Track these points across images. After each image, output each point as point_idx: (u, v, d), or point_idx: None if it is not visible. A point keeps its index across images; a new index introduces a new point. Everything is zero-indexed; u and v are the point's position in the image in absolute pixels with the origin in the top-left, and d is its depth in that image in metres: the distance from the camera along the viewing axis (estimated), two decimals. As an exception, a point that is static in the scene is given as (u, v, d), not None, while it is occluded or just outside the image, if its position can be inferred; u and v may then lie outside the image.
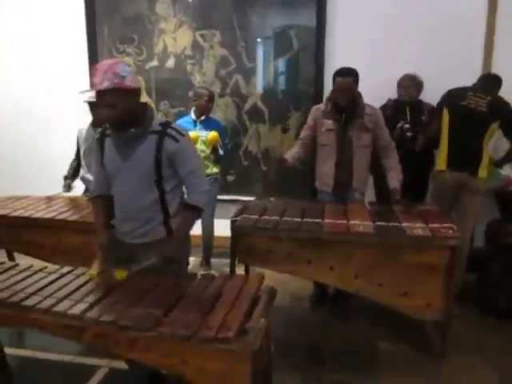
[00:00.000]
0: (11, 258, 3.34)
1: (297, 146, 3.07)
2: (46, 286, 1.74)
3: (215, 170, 3.59)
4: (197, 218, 1.98)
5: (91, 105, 3.12)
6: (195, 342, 1.38)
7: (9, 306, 1.62)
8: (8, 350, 2.49)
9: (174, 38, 4.00)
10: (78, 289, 1.72)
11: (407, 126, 3.27)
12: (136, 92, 1.84)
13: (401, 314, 2.54)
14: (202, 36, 3.96)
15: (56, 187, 3.28)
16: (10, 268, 1.92)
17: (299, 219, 2.56)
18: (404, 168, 2.96)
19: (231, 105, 4.03)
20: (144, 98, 4.15)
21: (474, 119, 2.95)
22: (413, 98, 3.38)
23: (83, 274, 1.86)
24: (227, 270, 3.56)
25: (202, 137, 3.46)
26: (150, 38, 4.03)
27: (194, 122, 3.51)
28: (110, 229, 2.02)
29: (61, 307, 1.57)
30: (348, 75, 2.86)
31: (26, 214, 2.78)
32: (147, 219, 1.91)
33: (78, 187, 3.36)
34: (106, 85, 1.71)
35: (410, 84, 3.37)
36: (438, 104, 3.16)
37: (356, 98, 2.92)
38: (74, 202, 3.04)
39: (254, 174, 4.10)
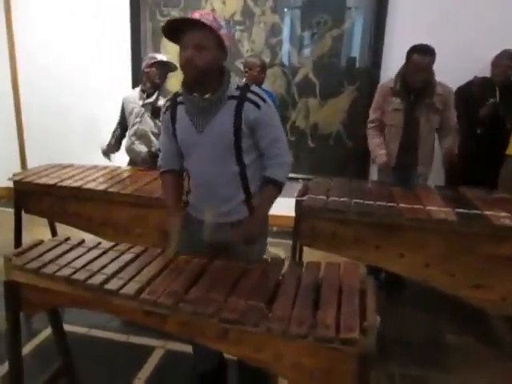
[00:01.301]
0: (53, 229, 3.23)
1: (374, 135, 2.89)
2: (123, 267, 1.59)
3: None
4: (277, 195, 1.75)
5: (146, 68, 2.96)
6: (310, 341, 1.23)
7: (89, 289, 1.48)
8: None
9: (223, 1, 3.74)
10: (159, 273, 1.57)
11: (492, 100, 3.06)
12: (225, 51, 1.64)
13: (462, 306, 2.40)
14: (253, 0, 3.70)
15: (95, 157, 3.14)
16: (78, 245, 1.77)
17: (371, 202, 2.39)
18: (477, 149, 2.79)
19: (280, 76, 3.80)
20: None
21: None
22: (508, 78, 3.14)
23: (160, 254, 1.71)
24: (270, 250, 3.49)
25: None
26: (198, 1, 3.78)
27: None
28: (181, 206, 1.85)
29: (150, 295, 1.43)
30: (427, 53, 2.63)
31: (76, 185, 2.63)
32: (227, 197, 1.73)
33: (119, 157, 3.20)
34: (205, 21, 1.53)
35: (508, 65, 3.10)
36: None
37: (430, 77, 2.70)
38: (121, 174, 2.88)
39: (300, 151, 3.91)
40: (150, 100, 3.01)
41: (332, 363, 1.31)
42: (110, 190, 2.56)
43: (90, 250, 1.73)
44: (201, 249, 1.74)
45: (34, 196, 2.76)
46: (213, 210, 1.71)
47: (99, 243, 1.78)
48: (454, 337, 2.55)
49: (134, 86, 3.94)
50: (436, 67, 2.71)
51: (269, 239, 1.98)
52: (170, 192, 1.85)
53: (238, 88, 1.66)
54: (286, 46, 3.74)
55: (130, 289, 1.44)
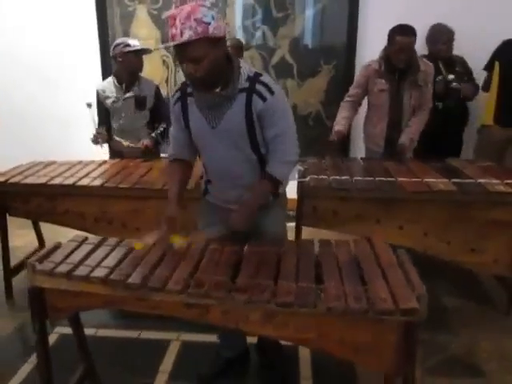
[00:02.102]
0: (38, 230, 3.08)
1: (345, 108, 2.93)
2: (158, 263, 1.55)
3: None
4: (272, 192, 1.69)
5: (120, 57, 2.83)
6: (370, 316, 1.27)
7: (130, 288, 1.43)
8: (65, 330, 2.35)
9: (194, -17, 3.64)
10: (198, 265, 1.54)
11: (452, 76, 3.14)
12: (223, 41, 1.55)
13: (455, 270, 2.53)
14: (225, -19, 3.63)
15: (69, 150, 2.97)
16: (99, 244, 1.71)
17: (371, 178, 2.46)
18: (441, 122, 2.91)
19: (257, 58, 3.77)
20: (160, 53, 3.83)
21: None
22: (449, 53, 3.19)
23: (189, 247, 1.68)
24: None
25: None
26: (168, -16, 3.65)
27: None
28: (182, 199, 1.79)
29: (197, 288, 1.40)
30: (410, 34, 2.68)
31: (68, 182, 2.51)
32: (247, 186, 1.71)
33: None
34: (187, 35, 1.41)
35: (448, 39, 3.13)
36: (491, 57, 3.06)
37: (413, 56, 2.77)
38: (112, 167, 2.77)
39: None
40: (132, 94, 2.89)
41: (379, 335, 1.36)
42: (107, 184, 2.47)
43: (114, 248, 1.67)
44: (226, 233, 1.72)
45: (20, 197, 2.61)
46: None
47: (121, 241, 1.72)
48: (453, 300, 2.70)
49: (104, 73, 3.80)
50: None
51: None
52: (173, 182, 1.79)
53: (248, 79, 1.59)
54: (261, 28, 3.70)
55: (176, 284, 1.41)
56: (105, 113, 3.01)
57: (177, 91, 1.73)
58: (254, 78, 1.59)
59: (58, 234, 3.26)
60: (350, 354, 1.43)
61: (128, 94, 2.89)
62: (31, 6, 3.79)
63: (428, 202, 2.38)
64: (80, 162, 2.89)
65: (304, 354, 2.21)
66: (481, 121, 3.25)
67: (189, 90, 1.67)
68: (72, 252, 1.63)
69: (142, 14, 3.74)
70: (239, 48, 3.24)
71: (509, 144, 3.05)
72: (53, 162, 2.91)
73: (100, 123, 3.02)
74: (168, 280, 1.44)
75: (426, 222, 2.43)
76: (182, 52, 1.47)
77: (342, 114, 2.91)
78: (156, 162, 2.81)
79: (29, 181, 2.54)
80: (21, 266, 2.88)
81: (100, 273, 1.47)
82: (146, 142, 2.91)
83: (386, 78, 2.81)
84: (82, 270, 1.49)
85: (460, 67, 3.15)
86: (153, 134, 2.94)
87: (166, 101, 3.10)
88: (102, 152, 3.05)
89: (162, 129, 2.94)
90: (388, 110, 2.88)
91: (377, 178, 2.45)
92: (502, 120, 3.00)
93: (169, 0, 3.69)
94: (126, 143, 2.92)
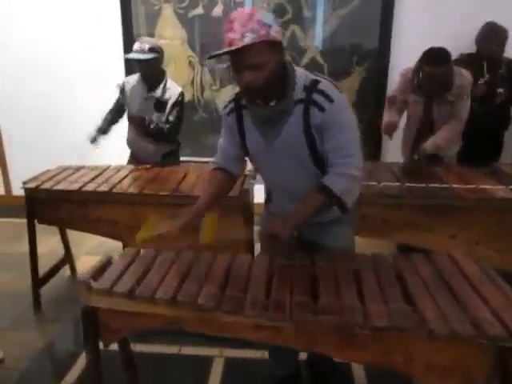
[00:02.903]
0: (64, 237, 2.95)
1: (394, 111, 2.79)
2: (226, 281, 1.43)
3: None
4: (324, 204, 1.49)
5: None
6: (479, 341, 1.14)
7: (202, 310, 1.31)
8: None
9: (222, -20, 3.52)
10: (270, 282, 1.41)
11: (482, 81, 2.99)
12: (281, 46, 1.41)
13: None
14: (254, -21, 3.50)
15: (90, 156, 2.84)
16: (154, 258, 1.58)
17: (423, 185, 2.33)
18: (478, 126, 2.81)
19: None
20: (187, 54, 3.70)
21: None
22: (501, 55, 3.04)
23: (254, 259, 1.55)
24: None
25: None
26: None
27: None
28: (212, 208, 1.64)
29: (279, 310, 1.28)
30: (440, 64, 2.45)
31: (104, 189, 2.39)
32: None
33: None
34: (249, 39, 1.29)
35: (502, 41, 2.96)
36: None
37: (447, 80, 2.56)
38: (145, 173, 2.64)
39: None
40: (154, 94, 2.75)
41: (473, 359, 1.24)
42: (145, 191, 2.34)
43: (172, 263, 1.54)
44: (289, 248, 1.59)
45: (50, 204, 2.49)
46: None
47: (177, 254, 1.60)
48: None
49: (128, 75, 3.68)
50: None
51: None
52: (209, 193, 1.62)
53: (304, 89, 1.44)
54: (292, 27, 3.58)
55: (253, 306, 1.28)
56: (117, 110, 2.90)
57: (230, 102, 1.59)
58: (312, 87, 1.43)
59: (82, 241, 3.18)
60: (437, 379, 1.31)
61: (150, 94, 2.76)
62: (53, 5, 3.66)
63: (484, 209, 2.26)
64: (110, 167, 2.76)
65: (357, 369, 2.09)
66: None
67: (244, 101, 1.54)
68: (127, 268, 1.50)
69: (167, 13, 3.62)
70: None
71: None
72: (81, 167, 2.78)
73: (105, 119, 2.91)
74: (243, 302, 1.31)
75: (479, 231, 2.31)
76: (242, 58, 1.33)
77: (389, 113, 2.78)
78: (189, 168, 2.69)
79: (61, 187, 2.43)
80: (49, 275, 2.77)
81: (165, 293, 1.34)
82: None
83: (418, 91, 2.68)
84: (144, 290, 1.36)
85: (505, 70, 3.02)
86: (160, 124, 2.72)
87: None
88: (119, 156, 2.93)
89: (171, 122, 2.74)
90: (418, 121, 2.77)
91: (430, 185, 2.32)
92: None
93: (196, -1, 3.57)
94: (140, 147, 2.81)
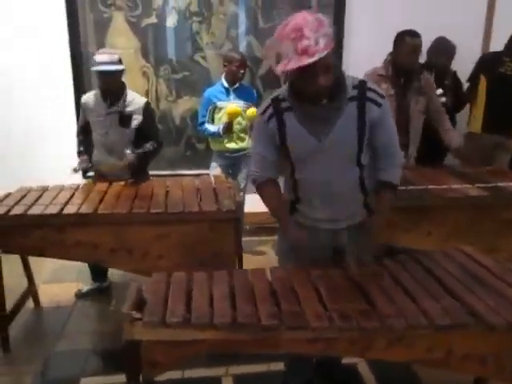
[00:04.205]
0: (27, 265, 2.67)
1: None
2: (274, 297, 1.41)
3: (250, 143, 3.28)
4: (393, 198, 1.66)
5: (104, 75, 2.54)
6: None
7: (262, 330, 1.27)
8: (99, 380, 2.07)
9: (177, -10, 3.44)
10: (319, 295, 1.42)
11: (441, 91, 3.30)
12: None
13: None
14: (210, -11, 3.47)
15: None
16: (189, 279, 1.50)
17: (403, 187, 2.47)
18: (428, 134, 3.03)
19: (243, 69, 3.66)
20: (140, 64, 3.56)
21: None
22: (449, 67, 3.35)
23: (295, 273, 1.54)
24: (259, 248, 3.41)
25: (239, 107, 3.12)
26: (149, -11, 3.41)
27: (227, 90, 3.13)
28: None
29: (344, 319, 1.29)
30: (418, 35, 2.76)
31: (85, 211, 2.21)
32: (349, 201, 1.65)
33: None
34: (323, 44, 1.35)
35: (451, 54, 3.27)
36: (474, 70, 3.28)
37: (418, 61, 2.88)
38: (121, 191, 2.48)
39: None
40: (116, 109, 2.63)
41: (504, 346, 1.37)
42: (135, 210, 2.21)
43: (209, 284, 1.48)
44: (317, 255, 1.63)
45: (20, 231, 2.23)
46: None
47: (210, 275, 1.54)
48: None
49: (77, 89, 3.45)
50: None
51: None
52: (276, 201, 1.70)
53: (354, 87, 1.54)
54: (247, 38, 3.61)
55: (319, 319, 1.28)
56: (85, 129, 2.75)
57: (267, 108, 1.60)
58: (362, 86, 1.54)
59: (40, 268, 2.89)
60: (474, 368, 1.42)
61: (112, 109, 2.62)
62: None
63: (456, 207, 2.47)
64: (80, 187, 2.56)
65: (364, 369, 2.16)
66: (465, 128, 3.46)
67: (283, 105, 1.57)
68: (166, 295, 1.41)
69: (119, 21, 3.45)
70: (242, 61, 3.12)
71: (495, 148, 3.28)
72: (45, 189, 2.54)
73: (80, 141, 2.76)
74: (303, 315, 1.30)
75: (452, 227, 2.51)
76: (319, 63, 1.37)
77: None
78: (165, 183, 2.59)
79: (36, 211, 2.19)
80: (15, 310, 2.48)
81: (223, 317, 1.29)
82: (129, 157, 2.61)
83: (393, 83, 2.86)
84: (199, 316, 1.29)
85: (450, 80, 3.33)
86: (139, 151, 2.66)
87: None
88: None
89: (151, 147, 2.68)
90: (394, 115, 2.93)
91: (409, 187, 2.48)
92: (491, 128, 3.23)
93: (149, 7, 3.44)
94: (108, 165, 2.65)
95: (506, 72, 3.16)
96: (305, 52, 1.35)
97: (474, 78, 3.30)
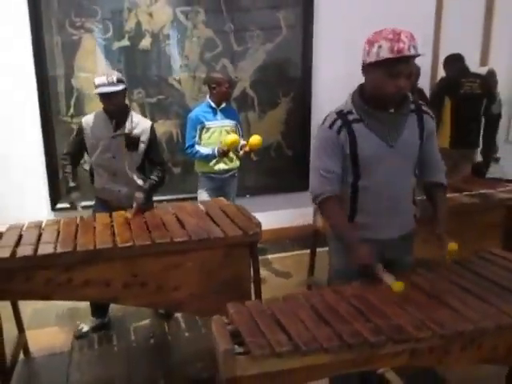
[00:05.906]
0: (17, 313, 2.39)
1: None
2: (360, 312, 1.42)
3: (237, 163, 3.27)
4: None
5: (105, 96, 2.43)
6: None
7: (372, 347, 1.28)
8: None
9: (150, 13, 3.36)
10: (389, 307, 1.46)
11: None
12: None
13: None
14: (183, 13, 3.44)
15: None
16: (273, 306, 1.46)
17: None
18: None
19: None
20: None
21: (474, 101, 3.54)
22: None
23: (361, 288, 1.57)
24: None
25: (225, 127, 3.11)
26: (119, 12, 3.29)
27: (214, 110, 3.11)
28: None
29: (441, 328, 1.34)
30: None
31: (90, 247, 2.03)
32: (406, 210, 1.78)
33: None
34: (413, 52, 1.52)
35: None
36: (438, 93, 3.62)
37: None
38: (122, 223, 2.33)
39: (244, 165, 3.84)
40: (122, 131, 2.52)
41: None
42: (139, 242, 2.07)
43: (289, 309, 1.45)
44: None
45: (22, 274, 2.00)
46: None
47: (284, 299, 1.51)
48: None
49: (44, 116, 3.21)
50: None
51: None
52: (342, 217, 1.73)
53: (412, 102, 1.72)
54: (222, 61, 3.62)
55: (417, 330, 1.33)
56: (77, 154, 2.60)
57: (335, 121, 1.67)
58: (414, 102, 1.74)
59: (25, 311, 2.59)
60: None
61: (118, 132, 2.50)
62: None
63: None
64: (84, 219, 2.36)
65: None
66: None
67: (350, 117, 1.66)
68: (256, 324, 1.35)
69: (88, 44, 3.29)
70: (230, 82, 3.13)
71: (461, 159, 3.62)
72: (39, 223, 2.31)
73: (67, 169, 2.57)
74: (404, 328, 1.33)
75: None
76: (406, 66, 1.54)
77: None
78: (170, 209, 2.48)
79: (44, 251, 1.98)
80: (14, 362, 2.21)
81: (330, 340, 1.27)
82: (138, 200, 2.43)
83: None
84: (307, 342, 1.26)
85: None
86: (146, 186, 2.55)
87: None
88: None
89: (156, 178, 2.59)
90: None
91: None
92: (458, 144, 3.61)
93: (121, 29, 3.32)
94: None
95: (465, 92, 3.53)
96: (399, 51, 1.49)
97: (438, 99, 3.62)
